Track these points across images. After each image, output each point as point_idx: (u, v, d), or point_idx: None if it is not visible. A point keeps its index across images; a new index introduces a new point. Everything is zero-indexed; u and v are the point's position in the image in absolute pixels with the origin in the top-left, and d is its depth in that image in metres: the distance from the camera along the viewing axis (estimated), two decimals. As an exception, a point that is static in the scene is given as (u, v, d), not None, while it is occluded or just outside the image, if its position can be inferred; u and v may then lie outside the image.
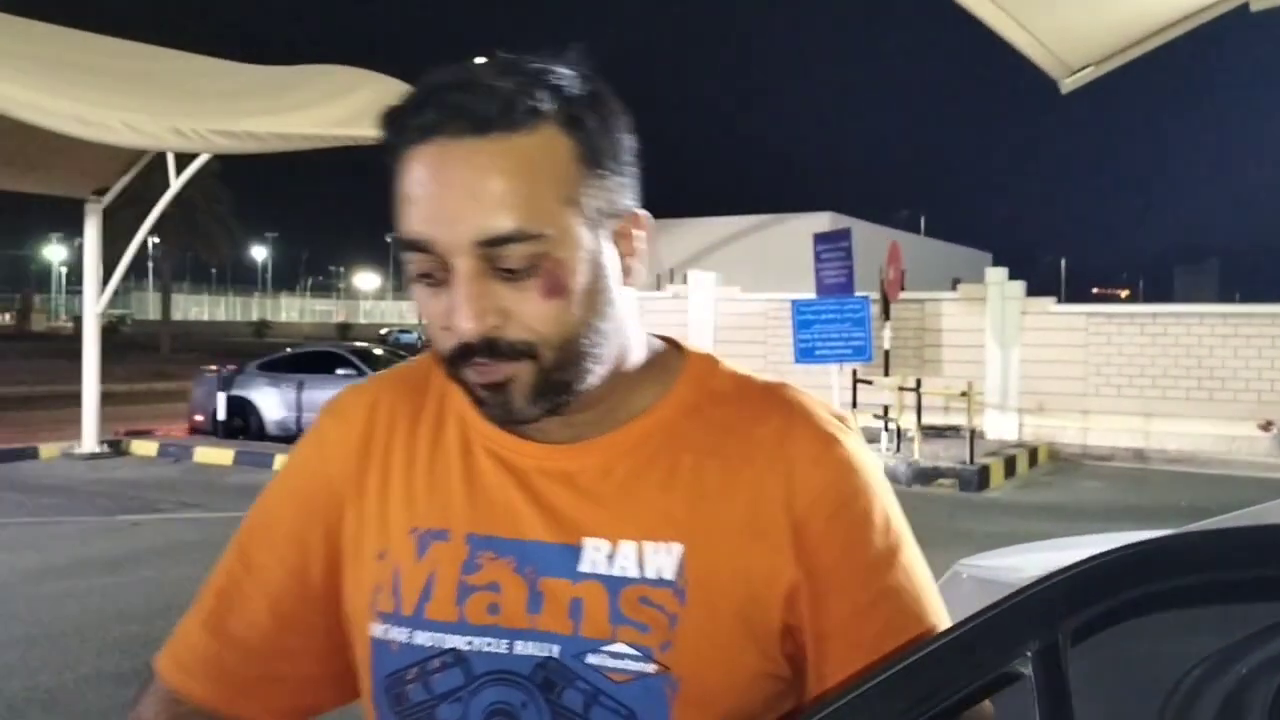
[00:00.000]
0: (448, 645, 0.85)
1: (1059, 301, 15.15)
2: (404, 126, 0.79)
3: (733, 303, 16.19)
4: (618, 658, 0.82)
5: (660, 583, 0.83)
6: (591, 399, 0.86)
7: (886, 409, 12.37)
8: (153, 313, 49.49)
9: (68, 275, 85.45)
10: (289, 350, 15.17)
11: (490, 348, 0.80)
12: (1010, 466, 12.05)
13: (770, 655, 0.84)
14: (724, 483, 0.85)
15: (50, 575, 6.68)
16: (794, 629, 0.84)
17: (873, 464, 0.89)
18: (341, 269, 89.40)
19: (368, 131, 9.44)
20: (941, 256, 27.14)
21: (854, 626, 0.83)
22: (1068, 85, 9.07)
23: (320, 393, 12.57)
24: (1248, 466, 12.39)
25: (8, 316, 73.20)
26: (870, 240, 17.04)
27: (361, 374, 12.63)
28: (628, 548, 0.84)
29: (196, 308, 64.51)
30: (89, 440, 11.84)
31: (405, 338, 56.13)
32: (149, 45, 9.84)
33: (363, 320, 73.10)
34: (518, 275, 0.78)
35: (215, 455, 11.87)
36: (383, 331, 62.85)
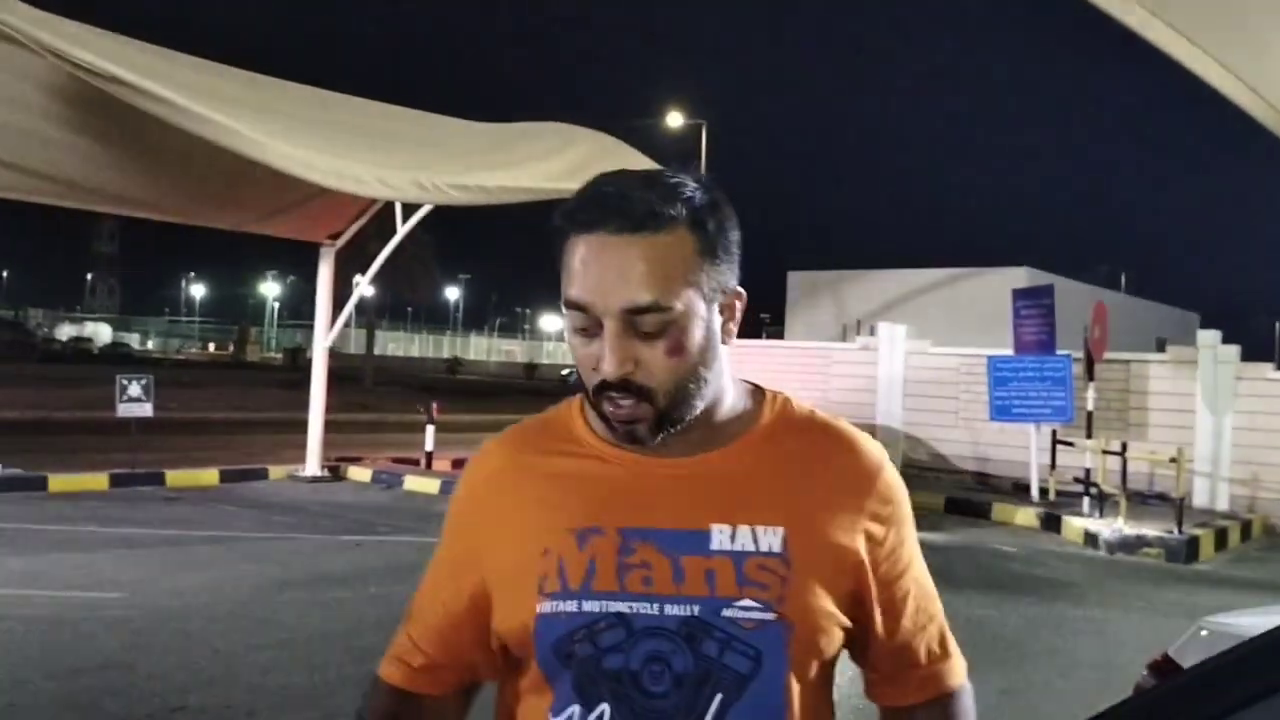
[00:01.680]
0: (612, 610, 1.11)
1: (1278, 368, 14.26)
2: (575, 219, 1.10)
3: (924, 356, 15.99)
4: (746, 610, 1.11)
5: (771, 554, 1.13)
6: (700, 423, 1.16)
7: (1088, 472, 11.95)
8: (353, 347, 52.53)
9: (279, 310, 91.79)
10: None
11: (624, 386, 1.10)
12: (1221, 538, 11.40)
13: (843, 609, 1.16)
14: (809, 483, 1.17)
15: (292, 586, 7.32)
16: (856, 593, 1.17)
17: (903, 485, 1.24)
18: (527, 310, 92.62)
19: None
20: (1145, 315, 25.91)
21: (896, 598, 1.20)
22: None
23: None
24: None
25: (212, 347, 79.04)
26: (1068, 296, 16.52)
27: None
28: (744, 530, 1.13)
29: (393, 344, 68.07)
30: (312, 464, 12.80)
31: (585, 379, 57.42)
32: (385, 104, 10.74)
33: (545, 360, 75.28)
34: (650, 336, 1.09)
35: (423, 484, 12.61)
36: (564, 372, 64.45)
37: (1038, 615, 7.53)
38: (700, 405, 1.14)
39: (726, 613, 1.10)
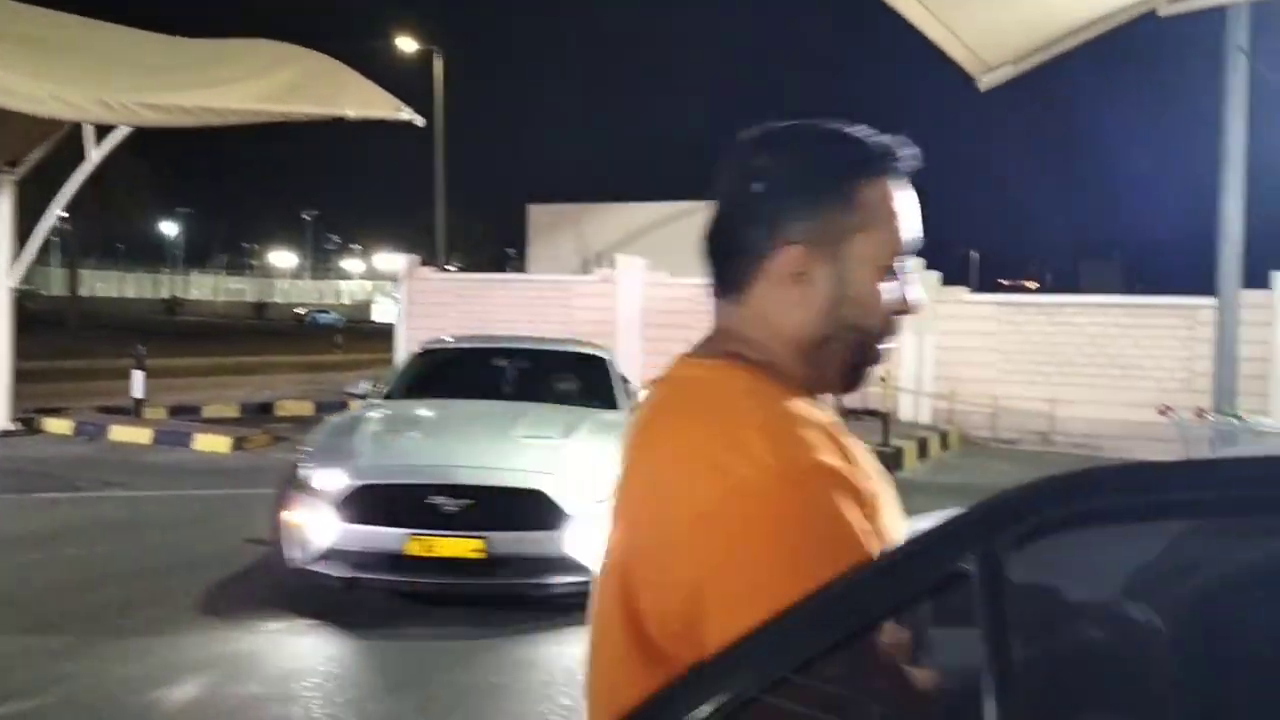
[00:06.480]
0: None
1: (972, 292, 15.67)
2: (902, 162, 1.14)
3: (662, 287, 16.37)
4: None
5: None
6: None
7: (807, 393, 12.69)
8: (57, 288, 47.77)
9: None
10: None
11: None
12: (923, 449, 12.48)
13: None
14: None
15: (-30, 552, 6.58)
16: None
17: None
18: (255, 246, 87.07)
19: (297, 107, 9.36)
20: (860, 245, 27.77)
21: None
22: (985, 83, 9.35)
23: None
24: (1147, 449, 13.02)
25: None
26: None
27: None
28: None
29: (103, 284, 62.19)
30: (1, 418, 11.52)
31: (323, 318, 55.03)
32: (76, 16, 9.59)
33: (279, 300, 71.47)
34: None
35: (133, 434, 11.65)
36: (300, 311, 61.51)
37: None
38: None
39: None
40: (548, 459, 5.60)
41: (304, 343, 33.79)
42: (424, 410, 6.62)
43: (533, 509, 5.35)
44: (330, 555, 5.36)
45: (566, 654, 5.06)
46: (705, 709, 0.88)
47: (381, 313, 20.09)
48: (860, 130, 1.14)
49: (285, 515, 5.54)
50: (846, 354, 1.13)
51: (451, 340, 8.28)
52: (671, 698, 0.94)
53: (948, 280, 15.35)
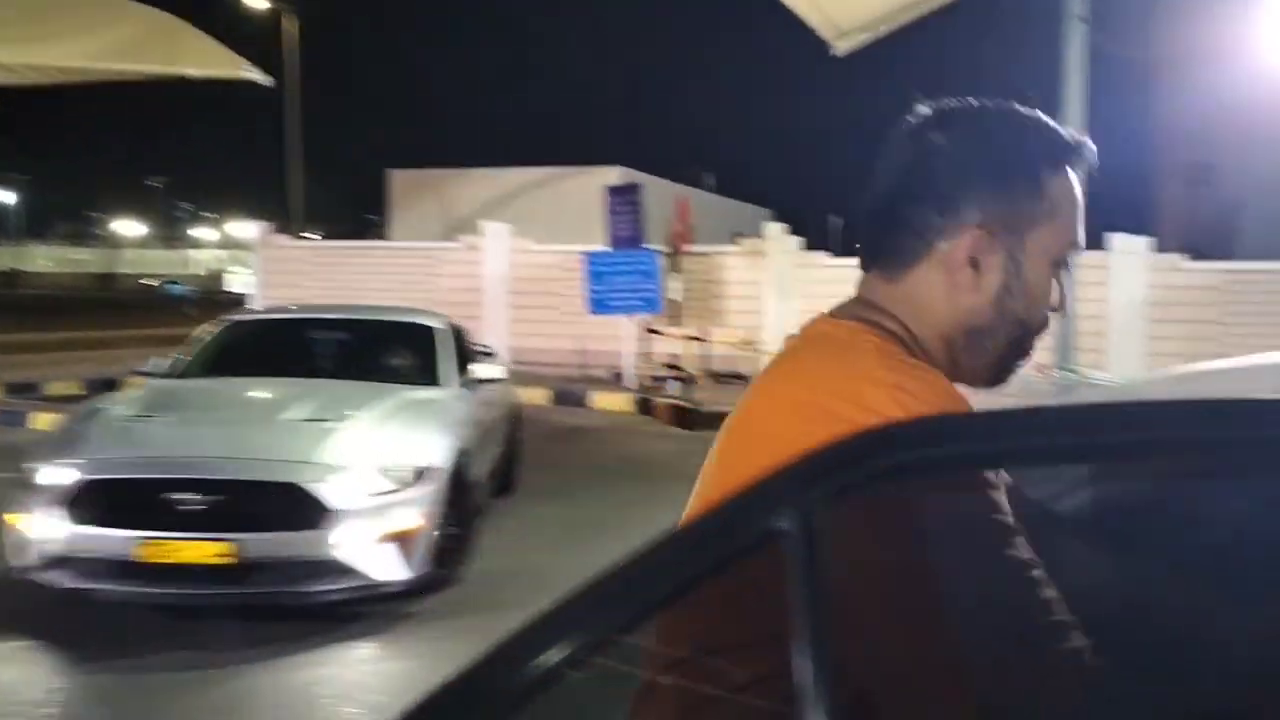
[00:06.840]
0: None
1: (832, 257, 16.04)
2: (1083, 154, 1.12)
3: (527, 254, 16.22)
4: None
5: None
6: None
7: (675, 357, 12.82)
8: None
9: None
10: None
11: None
12: (789, 410, 12.74)
13: None
14: None
15: None
16: None
17: None
18: (100, 215, 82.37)
19: (133, 65, 8.84)
20: (729, 212, 28.10)
21: None
22: (840, 48, 9.53)
23: None
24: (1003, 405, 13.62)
25: None
26: (662, 195, 17.44)
27: None
28: None
29: (-70, 257, 57.97)
30: None
31: (175, 289, 52.68)
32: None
33: (127, 270, 67.93)
34: None
35: (-36, 415, 10.93)
36: (149, 282, 58.72)
37: (633, 492, 7.97)
38: None
39: None
40: (315, 447, 4.91)
41: (155, 315, 32.28)
42: (197, 391, 5.88)
43: (292, 505, 4.67)
44: (56, 562, 4.70)
45: (304, 678, 4.38)
46: (529, 671, 0.87)
47: (236, 283, 19.38)
48: (1042, 118, 1.12)
49: (8, 516, 4.85)
50: (1004, 347, 1.12)
51: (283, 309, 7.90)
52: (497, 658, 0.92)
53: (809, 246, 15.67)
